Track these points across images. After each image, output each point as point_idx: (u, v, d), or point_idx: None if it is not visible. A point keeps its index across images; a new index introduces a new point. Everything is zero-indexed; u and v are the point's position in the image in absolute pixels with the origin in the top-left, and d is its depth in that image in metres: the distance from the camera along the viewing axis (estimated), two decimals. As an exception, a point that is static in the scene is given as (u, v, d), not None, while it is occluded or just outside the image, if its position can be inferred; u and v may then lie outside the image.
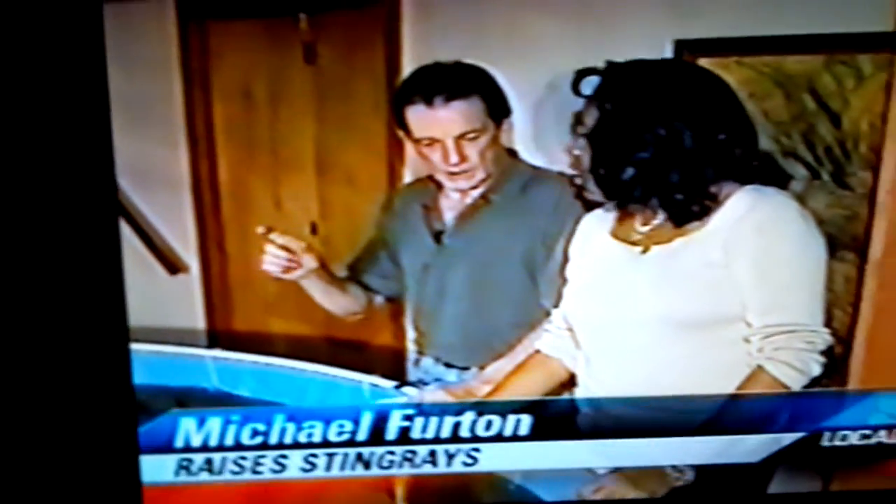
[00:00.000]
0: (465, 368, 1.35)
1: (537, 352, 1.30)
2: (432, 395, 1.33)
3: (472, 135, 1.23)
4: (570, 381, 1.30)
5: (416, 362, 1.40)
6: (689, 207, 1.12)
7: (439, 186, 1.32)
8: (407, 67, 1.26)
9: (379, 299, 1.40)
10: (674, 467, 1.24)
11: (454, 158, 1.23)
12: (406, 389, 1.35)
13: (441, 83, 1.21)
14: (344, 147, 1.31)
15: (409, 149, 1.29)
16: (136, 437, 1.29)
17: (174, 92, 1.29)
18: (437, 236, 1.33)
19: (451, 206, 1.32)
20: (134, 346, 1.30)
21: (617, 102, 1.12)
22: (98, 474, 1.32)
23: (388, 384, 1.34)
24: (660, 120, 1.10)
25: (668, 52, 1.19)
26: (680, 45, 1.19)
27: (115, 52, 1.20)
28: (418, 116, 1.23)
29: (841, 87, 1.21)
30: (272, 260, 1.27)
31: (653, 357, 1.18)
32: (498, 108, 1.25)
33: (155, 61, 1.27)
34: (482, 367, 1.33)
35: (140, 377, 1.31)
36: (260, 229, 1.27)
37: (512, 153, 1.30)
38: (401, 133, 1.27)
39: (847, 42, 1.18)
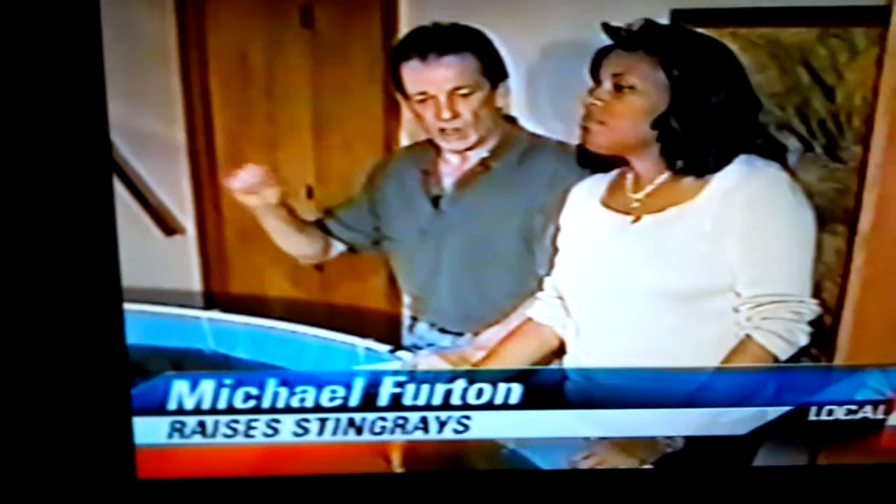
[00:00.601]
0: (460, 334, 1.36)
1: (529, 320, 1.31)
2: (426, 359, 1.34)
3: (464, 90, 1.24)
4: (561, 350, 1.31)
5: (411, 328, 1.41)
6: (717, 161, 1.14)
7: (438, 151, 1.32)
8: (404, 30, 1.25)
9: (338, 248, 1.40)
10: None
11: (446, 114, 1.24)
12: (400, 354, 1.36)
13: (436, 40, 1.22)
14: (340, 111, 1.31)
15: (406, 113, 1.30)
16: (129, 399, 1.30)
17: (171, 54, 1.28)
18: (435, 202, 1.33)
19: (449, 171, 1.33)
20: (130, 307, 1.31)
21: (688, 64, 1.12)
22: (91, 436, 1.34)
23: (383, 348, 1.36)
24: (716, 82, 1.12)
25: (663, 20, 1.19)
26: (676, 15, 1.19)
27: (112, 15, 1.20)
28: (413, 72, 1.24)
29: (835, 60, 1.21)
30: (239, 176, 1.28)
31: (642, 327, 1.20)
32: (493, 70, 1.25)
33: (151, 24, 1.26)
34: (476, 334, 1.35)
35: (136, 338, 1.32)
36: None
37: (511, 120, 1.30)
38: (397, 94, 1.28)
39: (840, 15, 1.18)
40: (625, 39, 1.14)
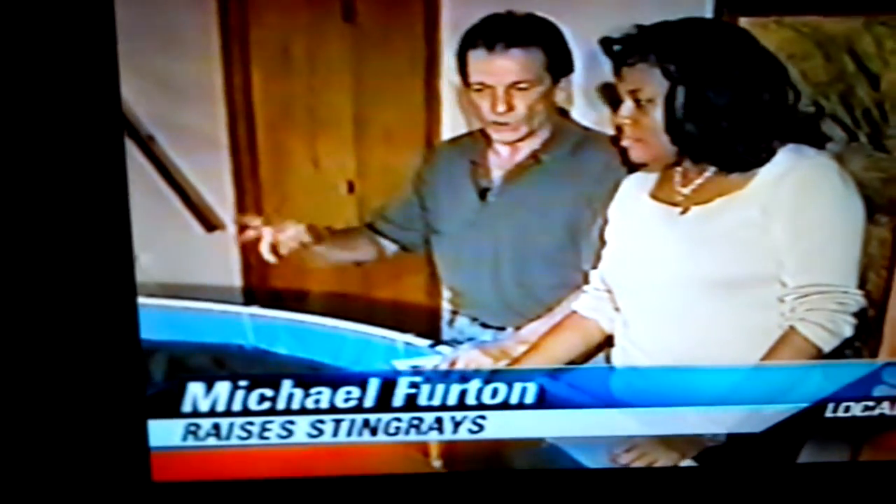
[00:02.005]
0: (501, 328, 1.36)
1: (573, 312, 1.30)
2: (466, 354, 1.33)
3: (523, 85, 1.23)
4: (602, 345, 1.31)
5: (451, 322, 1.41)
6: (752, 157, 1.13)
7: (488, 141, 1.32)
8: (445, 24, 1.26)
9: (392, 249, 1.40)
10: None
11: (501, 107, 1.24)
12: (440, 348, 1.35)
13: (505, 30, 1.21)
14: (381, 105, 1.31)
15: (447, 106, 1.30)
16: (144, 401, 1.30)
17: (212, 50, 1.29)
18: (483, 194, 1.33)
19: (499, 163, 1.32)
20: (171, 304, 1.31)
21: (685, 62, 1.11)
22: (106, 438, 1.33)
23: (423, 343, 1.35)
24: (726, 75, 1.11)
25: (708, 10, 1.19)
26: (720, 4, 1.19)
27: (154, 9, 1.21)
28: (477, 60, 1.23)
29: (881, 48, 1.21)
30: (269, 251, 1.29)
31: (690, 318, 1.19)
32: (559, 64, 1.24)
33: (193, 18, 1.26)
34: (518, 328, 1.34)
35: (177, 334, 1.33)
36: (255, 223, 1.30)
37: (563, 113, 1.29)
38: (458, 79, 1.27)
39: (886, 3, 1.18)
40: (620, 54, 1.14)
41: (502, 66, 1.22)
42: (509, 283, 1.33)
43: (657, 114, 1.13)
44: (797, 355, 1.16)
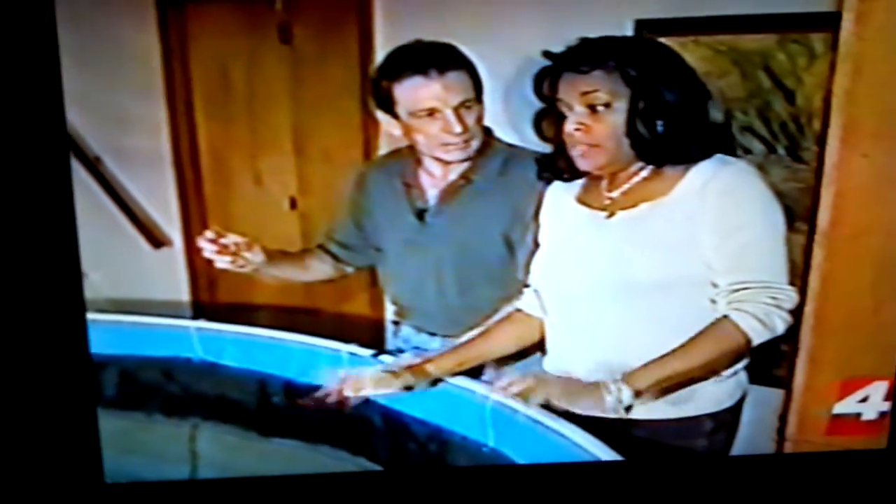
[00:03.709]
0: (447, 336, 1.39)
1: (518, 310, 1.33)
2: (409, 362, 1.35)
3: (468, 103, 1.27)
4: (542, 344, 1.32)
5: (395, 332, 1.45)
6: (703, 154, 1.17)
7: (418, 162, 1.34)
8: (379, 47, 1.29)
9: (349, 269, 1.43)
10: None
11: (458, 128, 1.26)
12: (383, 357, 1.38)
13: (432, 56, 1.24)
14: (320, 124, 1.35)
15: (383, 124, 1.32)
16: (95, 415, 1.32)
17: (155, 72, 1.32)
18: (420, 214, 1.36)
19: (432, 183, 1.35)
20: (120, 319, 1.35)
21: (644, 67, 1.14)
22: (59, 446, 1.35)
23: (366, 352, 1.39)
24: (676, 80, 1.15)
25: (628, 32, 1.23)
26: (640, 25, 1.23)
27: (96, 32, 1.24)
28: (413, 88, 1.25)
29: (794, 65, 1.25)
30: (219, 259, 1.32)
31: (619, 322, 1.21)
32: (479, 85, 1.28)
33: (135, 43, 1.30)
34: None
35: (126, 348, 1.36)
36: (208, 234, 1.31)
37: (488, 132, 1.32)
38: (381, 114, 1.29)
39: (795, 21, 1.23)
40: (574, 61, 1.16)
41: (446, 88, 1.24)
42: (452, 296, 1.36)
43: (615, 118, 1.15)
44: (725, 343, 1.16)
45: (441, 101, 1.25)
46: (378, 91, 1.27)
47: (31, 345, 1.31)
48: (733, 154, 1.22)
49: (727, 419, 1.25)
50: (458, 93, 1.25)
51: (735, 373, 1.23)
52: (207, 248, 1.31)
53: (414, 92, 1.25)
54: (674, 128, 1.15)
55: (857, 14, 1.16)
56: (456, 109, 1.26)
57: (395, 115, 1.28)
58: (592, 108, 1.15)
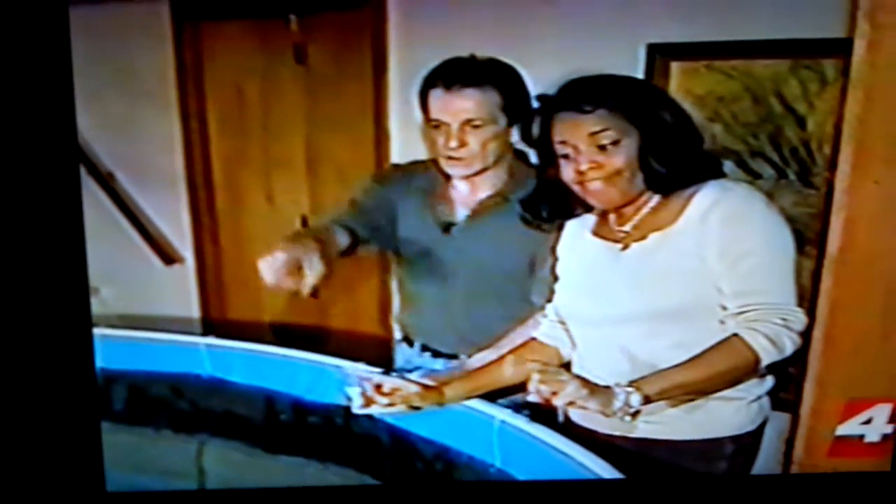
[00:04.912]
0: (453, 356, 1.39)
1: (534, 339, 1.32)
2: (392, 380, 1.32)
3: (476, 122, 1.27)
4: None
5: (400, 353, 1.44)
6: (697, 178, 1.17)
7: (447, 177, 1.35)
8: (393, 67, 1.31)
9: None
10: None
11: (453, 143, 1.27)
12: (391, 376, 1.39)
13: (463, 72, 1.26)
14: (333, 144, 1.36)
15: (396, 145, 1.35)
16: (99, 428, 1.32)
17: (169, 91, 1.34)
18: (447, 227, 1.36)
19: (461, 199, 1.36)
20: (131, 334, 1.35)
21: (643, 102, 1.15)
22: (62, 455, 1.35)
23: (374, 370, 1.38)
24: (671, 109, 1.15)
25: (641, 56, 1.24)
26: (653, 49, 1.24)
27: (113, 51, 1.25)
28: (436, 99, 1.27)
29: (806, 90, 1.26)
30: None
31: (638, 348, 1.20)
32: (515, 106, 1.28)
33: (151, 61, 1.31)
34: (469, 356, 1.36)
35: (136, 363, 1.36)
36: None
37: (521, 155, 1.33)
38: (423, 115, 1.30)
39: (808, 47, 1.24)
40: (574, 102, 1.14)
41: (457, 105, 1.26)
42: (463, 312, 1.36)
43: (624, 153, 1.15)
44: (734, 359, 1.15)
45: (448, 115, 1.27)
46: (421, 96, 1.30)
47: (37, 356, 1.31)
48: (722, 174, 1.21)
49: (748, 442, 1.25)
50: (468, 111, 1.26)
51: (758, 397, 1.24)
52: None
53: (435, 102, 1.28)
54: (681, 155, 1.16)
55: (869, 41, 1.15)
56: (462, 125, 1.27)
57: (427, 121, 1.30)
58: (601, 147, 1.15)
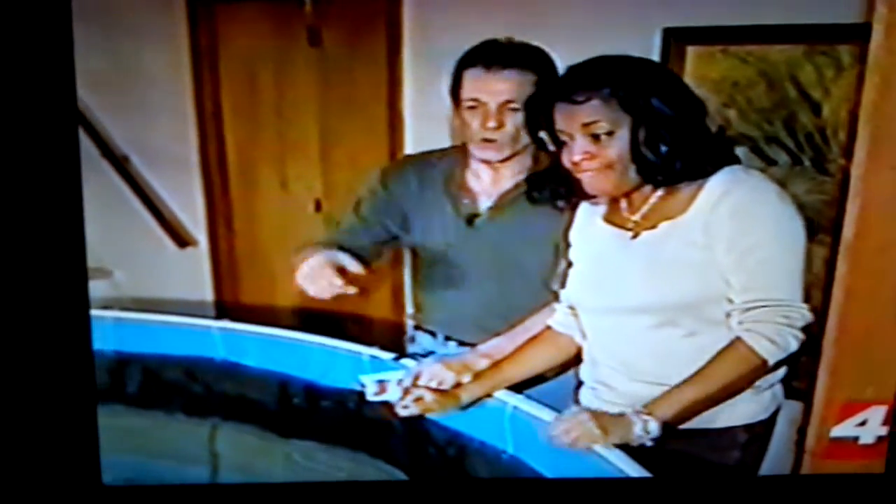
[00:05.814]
0: (467, 344, 1.38)
1: (548, 328, 1.32)
2: (430, 368, 1.36)
3: (514, 104, 1.27)
4: (578, 359, 1.31)
5: (413, 338, 1.45)
6: (706, 168, 1.16)
7: (465, 164, 1.35)
8: (407, 51, 1.30)
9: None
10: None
11: (492, 123, 1.27)
12: (404, 361, 1.38)
13: (502, 53, 1.26)
14: (347, 128, 1.36)
15: (410, 129, 1.34)
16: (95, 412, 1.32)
17: (184, 74, 1.34)
18: (470, 219, 1.36)
19: (484, 189, 1.36)
20: (145, 317, 1.35)
21: (639, 92, 1.13)
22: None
23: (387, 356, 1.39)
24: (675, 95, 1.14)
25: (656, 40, 1.24)
26: (668, 33, 1.24)
27: (127, 35, 1.25)
28: (474, 78, 1.27)
29: (821, 76, 1.26)
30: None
31: (647, 336, 1.20)
32: None
33: (165, 44, 1.31)
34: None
35: (149, 346, 1.37)
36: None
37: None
38: (450, 99, 1.31)
39: (825, 33, 1.23)
40: (567, 91, 1.14)
41: (497, 85, 1.26)
42: (485, 301, 1.36)
43: (618, 144, 1.14)
44: (741, 366, 1.16)
45: (487, 94, 1.27)
46: (455, 76, 1.29)
47: (34, 342, 1.29)
48: (736, 162, 1.20)
49: (761, 431, 1.25)
50: (507, 91, 1.26)
51: (771, 385, 1.23)
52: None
53: (472, 81, 1.27)
54: (678, 147, 1.14)
55: (886, 26, 1.15)
56: (500, 106, 1.27)
57: (457, 103, 1.30)
58: (595, 137, 1.15)
